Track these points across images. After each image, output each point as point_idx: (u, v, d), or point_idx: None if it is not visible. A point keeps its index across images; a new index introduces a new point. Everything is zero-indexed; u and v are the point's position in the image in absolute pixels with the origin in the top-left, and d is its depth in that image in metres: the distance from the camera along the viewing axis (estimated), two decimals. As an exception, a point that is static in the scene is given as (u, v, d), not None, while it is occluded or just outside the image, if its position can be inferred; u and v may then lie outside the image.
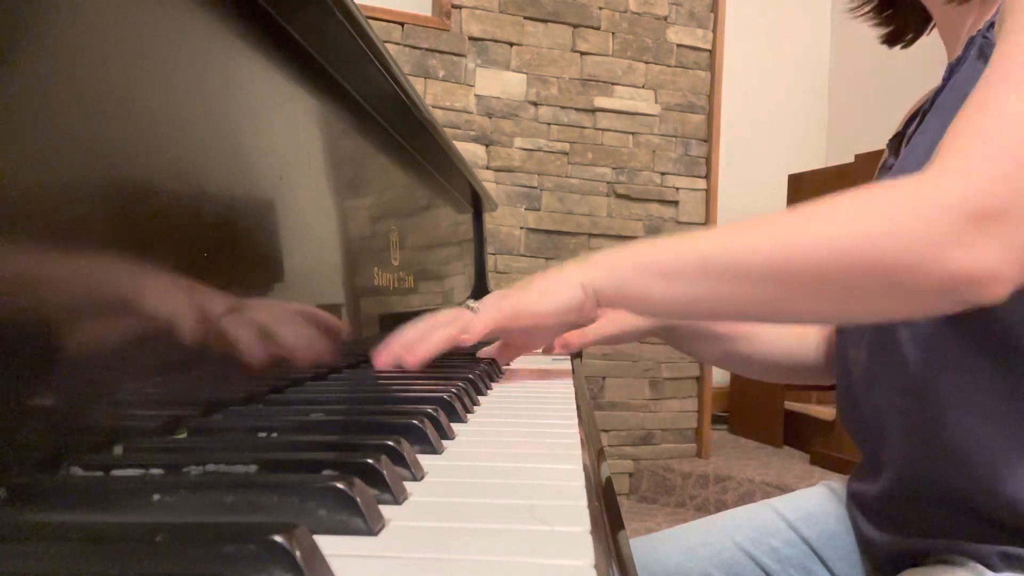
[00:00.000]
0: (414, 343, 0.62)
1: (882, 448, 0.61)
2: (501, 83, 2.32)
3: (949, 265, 0.42)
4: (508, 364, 0.79)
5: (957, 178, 0.43)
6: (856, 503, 0.67)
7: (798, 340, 0.80)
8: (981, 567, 0.52)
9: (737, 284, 0.49)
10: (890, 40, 0.75)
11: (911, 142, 0.63)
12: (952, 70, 0.60)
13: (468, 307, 0.64)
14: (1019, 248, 0.41)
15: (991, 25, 0.54)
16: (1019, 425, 0.52)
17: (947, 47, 0.67)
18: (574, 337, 0.80)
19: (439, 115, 2.23)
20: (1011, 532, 0.52)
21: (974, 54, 0.56)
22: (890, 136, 0.73)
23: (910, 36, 0.73)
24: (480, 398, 0.56)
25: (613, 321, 0.80)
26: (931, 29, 0.72)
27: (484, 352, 0.76)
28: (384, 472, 0.28)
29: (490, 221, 2.20)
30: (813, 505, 0.73)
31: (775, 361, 0.80)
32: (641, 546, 0.73)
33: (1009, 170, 0.42)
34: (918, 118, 0.65)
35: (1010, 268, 0.42)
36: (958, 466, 0.54)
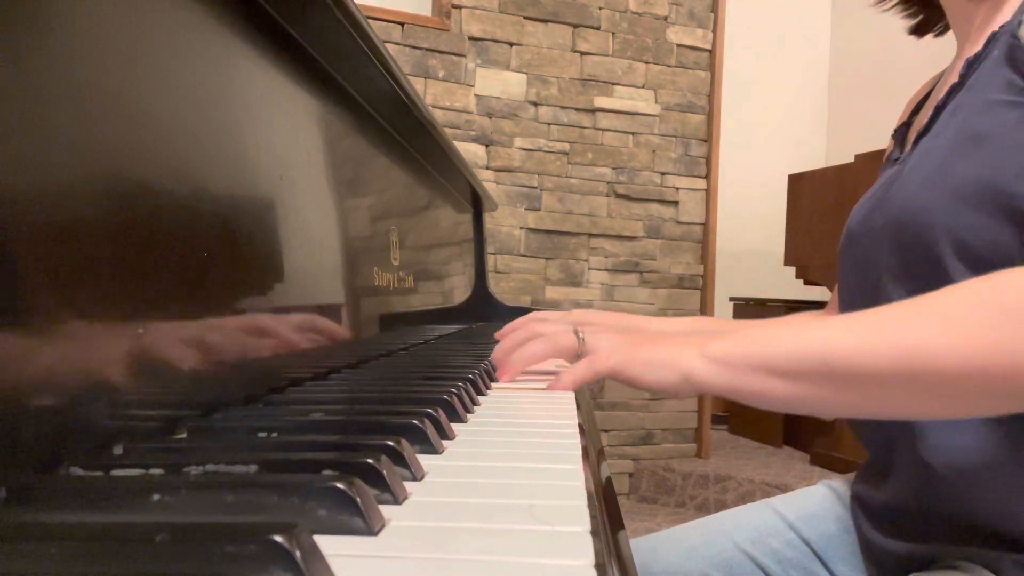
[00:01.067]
0: (514, 356, 0.64)
1: (890, 454, 0.61)
2: (501, 83, 2.32)
3: None
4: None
5: None
6: (860, 506, 0.67)
7: None
8: (989, 573, 0.52)
9: (864, 388, 0.47)
10: (918, 31, 0.74)
11: (923, 141, 0.61)
12: (971, 66, 0.58)
13: (576, 333, 0.63)
14: None
15: (1021, 23, 0.52)
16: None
17: (959, 39, 0.66)
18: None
19: (439, 115, 2.23)
20: (1022, 542, 0.52)
21: (998, 54, 0.54)
22: (893, 129, 0.72)
23: (942, 24, 0.72)
24: (480, 398, 0.56)
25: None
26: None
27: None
28: (384, 472, 0.28)
29: (490, 221, 2.20)
30: (813, 505, 0.73)
31: None
32: (641, 546, 0.73)
33: None
34: (931, 111, 0.63)
35: None
36: (965, 475, 0.53)
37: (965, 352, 0.43)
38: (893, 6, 0.73)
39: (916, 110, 0.72)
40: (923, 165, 0.57)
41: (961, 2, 0.62)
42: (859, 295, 0.66)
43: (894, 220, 0.59)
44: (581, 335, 0.63)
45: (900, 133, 0.71)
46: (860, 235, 0.66)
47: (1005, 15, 0.57)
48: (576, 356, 0.63)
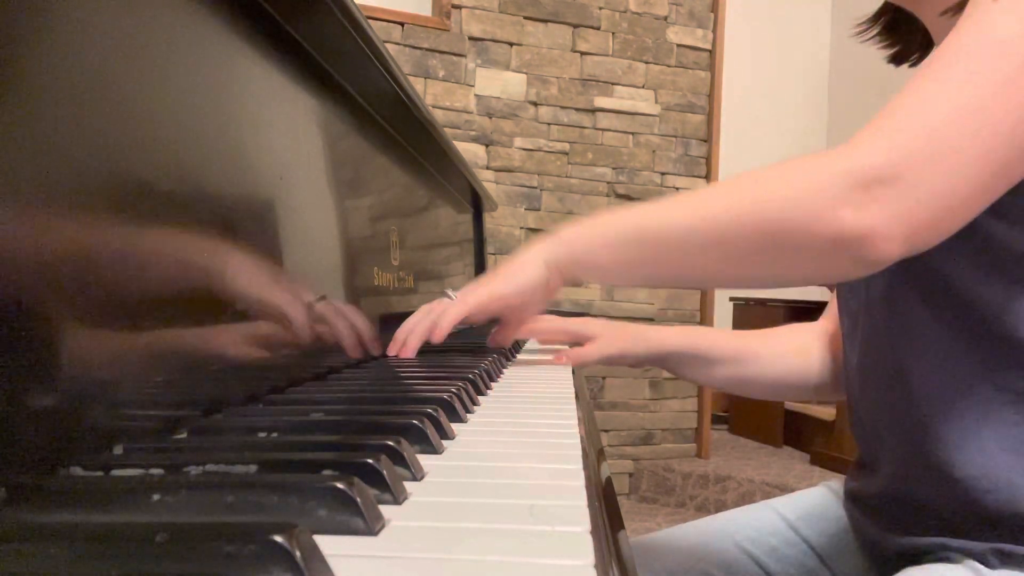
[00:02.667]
0: (404, 336, 0.70)
1: (878, 446, 0.61)
2: (501, 83, 2.32)
3: (836, 223, 0.45)
4: (509, 344, 0.83)
5: (859, 147, 0.46)
6: (854, 501, 0.67)
7: (798, 357, 0.79)
8: (978, 564, 0.52)
9: (665, 250, 0.54)
10: (896, 60, 0.77)
11: None
12: None
13: (447, 295, 0.69)
14: (906, 211, 0.45)
15: None
16: (1007, 420, 0.52)
17: None
18: (573, 356, 0.80)
19: (439, 115, 2.23)
20: (1006, 529, 0.52)
21: None
22: None
23: (917, 55, 0.75)
24: (480, 398, 0.56)
25: (612, 343, 0.80)
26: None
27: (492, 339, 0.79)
28: (384, 472, 0.28)
29: (490, 221, 2.20)
30: (813, 505, 0.73)
31: (777, 379, 0.79)
32: (641, 546, 0.73)
33: (906, 141, 0.45)
34: None
35: (895, 229, 0.45)
36: (949, 463, 0.54)
37: (737, 204, 0.50)
38: (871, 38, 0.76)
39: None
40: None
41: (943, 19, 0.63)
42: (851, 297, 0.67)
43: None
44: (450, 294, 0.70)
45: None
46: None
47: None
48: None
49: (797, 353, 0.79)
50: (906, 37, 0.75)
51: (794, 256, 0.49)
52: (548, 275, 0.61)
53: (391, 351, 0.72)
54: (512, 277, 0.63)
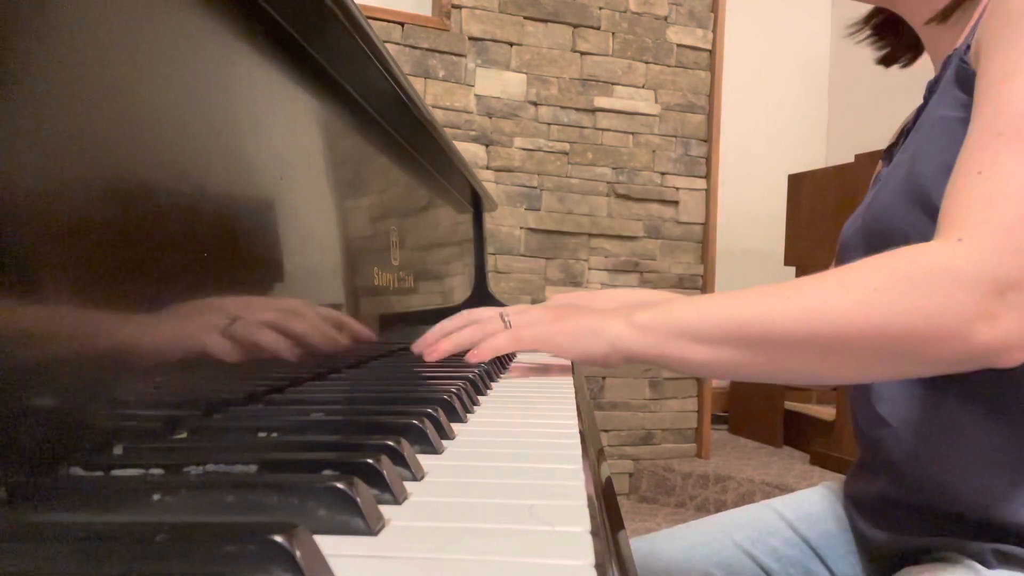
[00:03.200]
0: (439, 340, 0.67)
1: (879, 447, 0.61)
2: (501, 83, 2.32)
3: (974, 338, 0.44)
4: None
5: (973, 250, 0.44)
6: (853, 502, 0.67)
7: None
8: (976, 564, 0.53)
9: (775, 351, 0.50)
10: (885, 61, 0.78)
11: (894, 160, 0.65)
12: (931, 89, 0.61)
13: (502, 318, 0.65)
14: None
15: (968, 47, 0.55)
16: (1007, 426, 0.53)
17: (934, 63, 0.69)
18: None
19: (439, 115, 2.23)
20: (1005, 532, 0.52)
21: (950, 75, 0.57)
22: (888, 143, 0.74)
23: (906, 57, 0.76)
24: (480, 398, 0.56)
25: None
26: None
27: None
28: (384, 472, 0.28)
29: (490, 221, 2.20)
30: (813, 505, 0.73)
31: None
32: (641, 546, 0.73)
33: (1021, 240, 0.44)
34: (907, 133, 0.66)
35: None
36: (949, 465, 0.54)
37: (861, 312, 0.46)
38: (863, 39, 0.77)
39: (904, 133, 0.74)
40: (894, 176, 0.61)
41: (929, 27, 0.64)
42: None
43: (867, 228, 0.62)
44: (507, 318, 0.65)
45: (888, 154, 0.73)
46: (849, 248, 0.68)
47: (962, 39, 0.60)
48: None
49: None
50: (896, 39, 0.76)
51: (919, 363, 0.47)
52: (610, 355, 0.57)
53: (416, 348, 0.69)
54: (576, 341, 0.59)
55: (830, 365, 0.49)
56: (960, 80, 0.55)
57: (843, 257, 0.69)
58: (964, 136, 0.51)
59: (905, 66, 0.77)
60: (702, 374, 0.55)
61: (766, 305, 0.50)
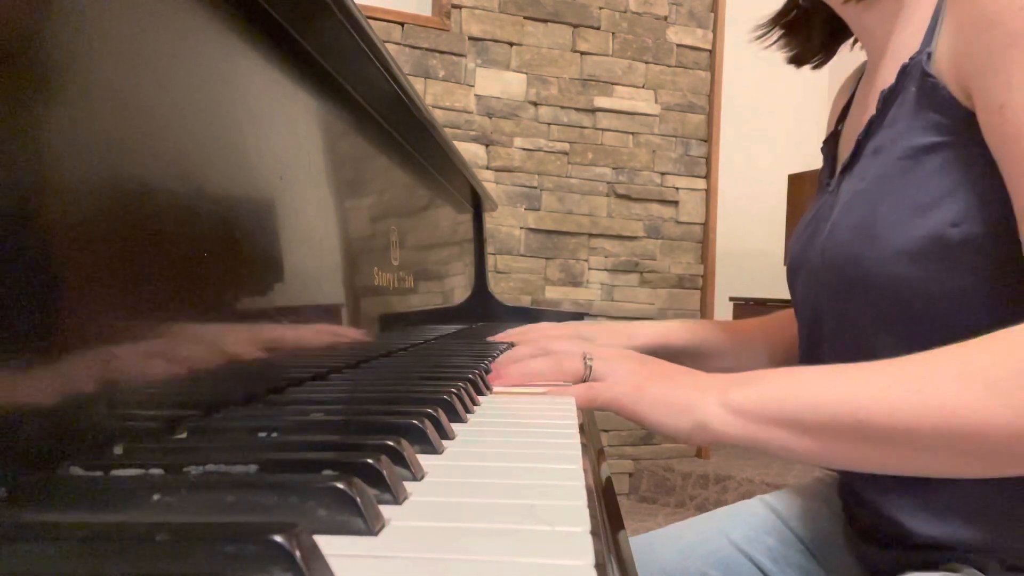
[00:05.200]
0: (512, 366, 0.62)
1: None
2: (501, 83, 2.32)
3: None
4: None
5: None
6: (850, 507, 0.66)
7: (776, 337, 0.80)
8: (977, 572, 0.52)
9: (897, 448, 0.44)
10: (796, 61, 0.75)
11: (847, 180, 0.60)
12: (887, 100, 0.56)
13: (584, 359, 0.59)
14: None
15: (929, 55, 0.51)
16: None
17: (868, 52, 0.65)
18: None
19: (439, 115, 2.23)
20: (1008, 538, 0.52)
21: (914, 92, 0.52)
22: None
23: (818, 58, 0.74)
24: (480, 398, 0.56)
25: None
26: (853, 45, 0.71)
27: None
28: (384, 472, 0.28)
29: (490, 221, 2.20)
30: (806, 501, 0.73)
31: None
32: (638, 545, 0.73)
33: None
34: (852, 142, 0.61)
35: None
36: (942, 485, 0.53)
37: (1009, 417, 0.40)
38: (771, 44, 0.76)
39: (841, 117, 0.72)
40: (851, 213, 0.56)
41: (851, 8, 0.61)
42: (803, 324, 0.66)
43: (830, 269, 0.58)
44: (589, 362, 0.59)
45: (829, 146, 0.70)
46: (798, 268, 0.66)
47: (909, 35, 0.56)
48: (581, 383, 0.59)
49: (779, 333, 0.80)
50: (807, 38, 0.73)
51: None
52: (693, 435, 0.51)
53: (491, 379, 0.63)
54: (661, 415, 0.52)
55: (965, 464, 0.44)
56: (929, 98, 0.51)
57: (793, 277, 0.67)
58: (938, 168, 0.49)
59: (817, 67, 0.74)
60: (805, 463, 0.51)
61: (892, 396, 0.44)
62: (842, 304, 0.58)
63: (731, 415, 0.49)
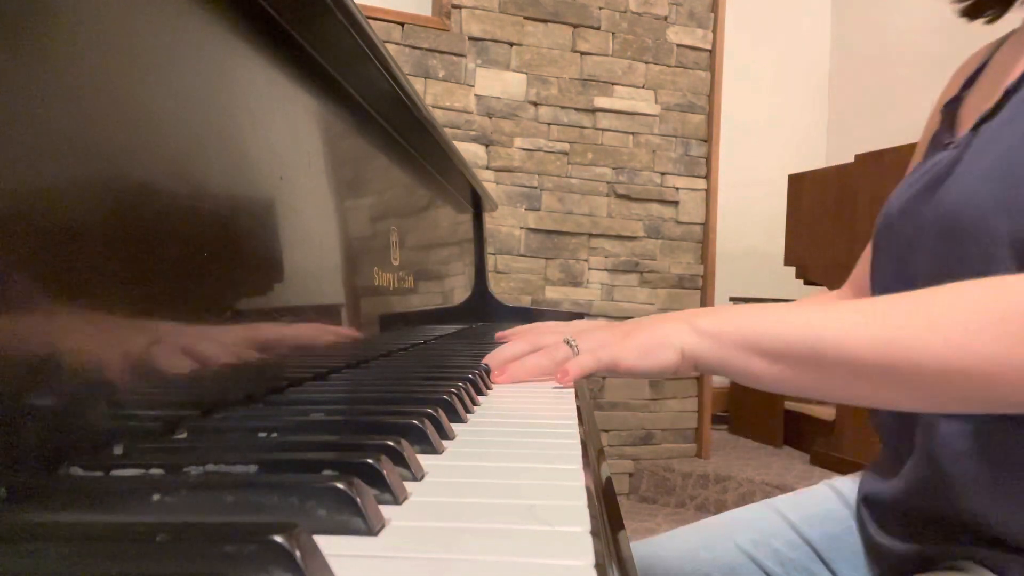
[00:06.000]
0: (509, 362, 0.65)
1: (907, 444, 0.59)
2: (501, 83, 2.32)
3: None
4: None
5: None
6: (867, 505, 0.66)
7: None
8: (992, 575, 0.52)
9: (847, 377, 0.48)
10: (969, 13, 0.70)
11: (987, 127, 0.57)
12: None
13: (568, 342, 0.63)
14: None
15: None
16: None
17: None
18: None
19: (439, 115, 2.23)
20: None
21: None
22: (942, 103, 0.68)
23: (992, 11, 0.68)
24: (480, 398, 0.56)
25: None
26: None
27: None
28: (384, 472, 0.28)
29: (490, 221, 2.20)
30: (816, 506, 0.72)
31: None
32: (643, 549, 0.73)
33: None
34: (998, 93, 0.58)
35: None
36: (972, 476, 0.52)
37: (946, 353, 0.43)
38: None
39: (967, 84, 0.68)
40: (985, 156, 0.54)
41: None
42: (895, 285, 0.62)
43: (946, 216, 0.56)
44: (573, 343, 0.63)
45: (950, 109, 0.67)
46: (901, 223, 0.63)
47: None
48: None
49: None
50: None
51: (1005, 405, 0.44)
52: (681, 364, 0.55)
53: (488, 362, 0.67)
54: (647, 356, 0.55)
55: (903, 396, 0.47)
56: None
57: (891, 234, 0.64)
58: None
59: (990, 21, 0.69)
60: (765, 388, 0.53)
61: (844, 326, 0.47)
62: (951, 259, 0.55)
63: (703, 338, 0.53)
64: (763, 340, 0.50)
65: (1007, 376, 0.42)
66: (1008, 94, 0.57)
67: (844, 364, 0.47)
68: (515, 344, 0.69)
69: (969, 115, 0.64)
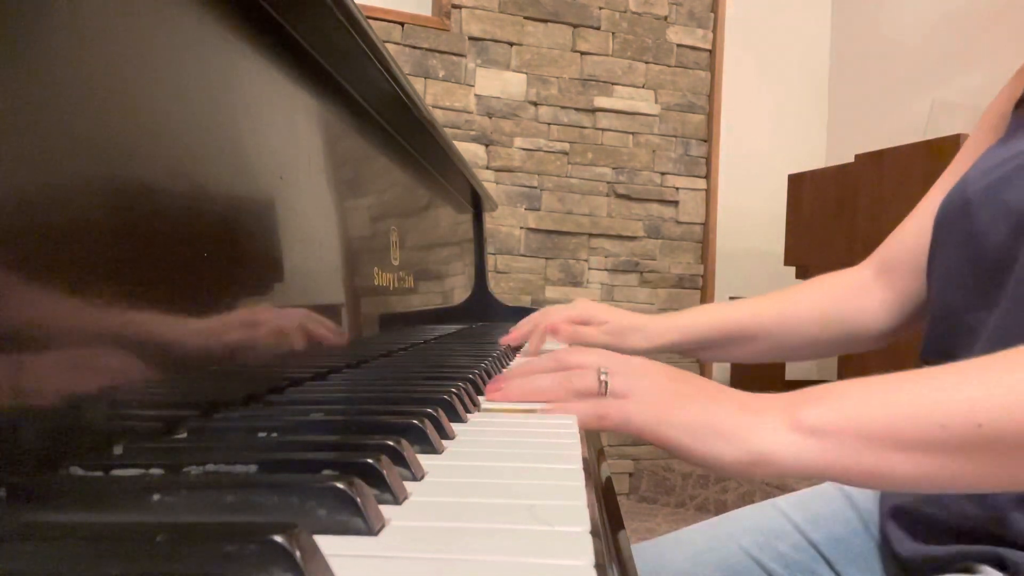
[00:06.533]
0: (512, 381, 0.53)
1: None
2: (501, 83, 2.32)
3: None
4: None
5: None
6: (887, 510, 0.64)
7: (845, 304, 0.75)
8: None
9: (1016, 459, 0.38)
10: None
11: None
12: None
13: (599, 373, 0.48)
14: None
15: None
16: None
17: None
18: (571, 333, 0.78)
19: (439, 115, 2.23)
20: None
21: None
22: (1010, 107, 0.66)
23: None
24: (480, 398, 0.56)
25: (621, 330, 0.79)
26: None
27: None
28: (384, 472, 0.28)
29: (490, 221, 2.20)
30: (820, 506, 0.71)
31: (813, 339, 0.77)
32: (646, 551, 0.72)
33: None
34: None
35: None
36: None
37: None
38: None
39: None
40: None
41: None
42: (970, 272, 0.58)
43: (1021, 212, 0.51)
44: (604, 377, 0.48)
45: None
46: (981, 205, 0.58)
47: None
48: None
49: (842, 300, 0.76)
50: None
51: None
52: (752, 469, 0.41)
53: (488, 392, 0.55)
54: (700, 440, 0.42)
55: None
56: None
57: (967, 217, 0.59)
58: None
59: None
60: (905, 490, 0.42)
61: (1003, 391, 0.37)
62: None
63: (807, 438, 0.39)
64: (906, 429, 0.38)
65: None
66: None
67: (1013, 447, 0.37)
68: (537, 360, 0.56)
69: None
